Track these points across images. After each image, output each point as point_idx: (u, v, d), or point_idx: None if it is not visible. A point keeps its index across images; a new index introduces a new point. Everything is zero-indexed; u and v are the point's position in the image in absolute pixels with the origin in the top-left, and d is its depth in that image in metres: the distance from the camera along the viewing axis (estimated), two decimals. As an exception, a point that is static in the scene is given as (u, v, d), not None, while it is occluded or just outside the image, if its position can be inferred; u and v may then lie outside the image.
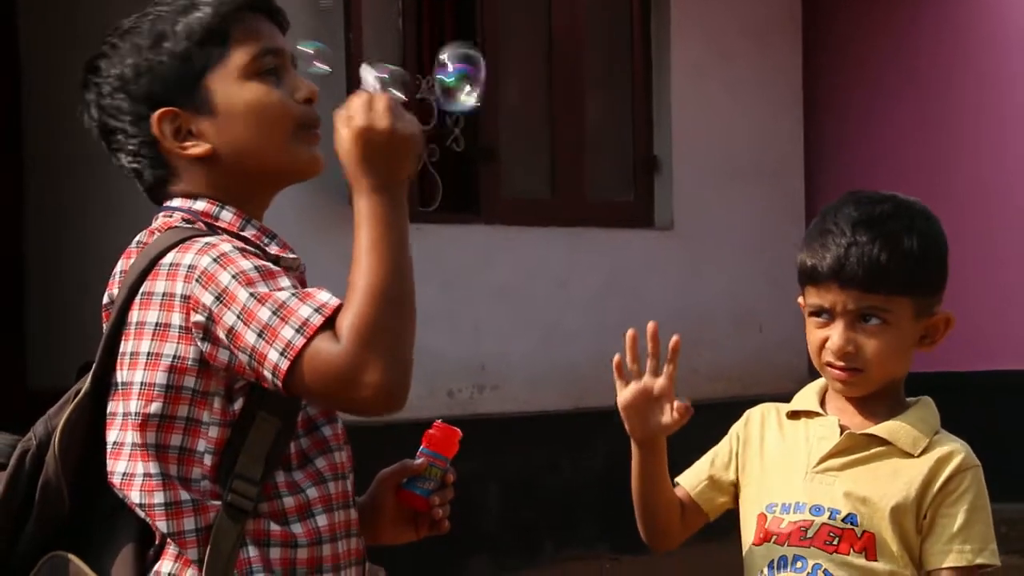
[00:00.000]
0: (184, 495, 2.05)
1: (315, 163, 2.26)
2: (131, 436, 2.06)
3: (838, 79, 8.42)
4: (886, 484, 2.37)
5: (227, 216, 2.18)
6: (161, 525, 2.05)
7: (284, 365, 2.01)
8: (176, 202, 2.20)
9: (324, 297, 2.05)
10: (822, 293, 2.38)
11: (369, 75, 2.27)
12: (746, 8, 8.03)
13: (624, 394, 2.50)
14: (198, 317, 2.04)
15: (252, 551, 2.07)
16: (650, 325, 2.47)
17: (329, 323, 2.03)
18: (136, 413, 2.06)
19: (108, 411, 2.11)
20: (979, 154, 8.08)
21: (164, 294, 2.06)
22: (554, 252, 7.29)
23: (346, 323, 2.03)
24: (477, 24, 7.11)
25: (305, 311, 2.03)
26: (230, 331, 2.03)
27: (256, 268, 2.05)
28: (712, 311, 7.71)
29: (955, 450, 2.40)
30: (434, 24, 7.07)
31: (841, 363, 2.39)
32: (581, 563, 7.15)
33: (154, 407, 2.06)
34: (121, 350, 2.10)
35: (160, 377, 2.06)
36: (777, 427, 2.52)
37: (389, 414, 2.09)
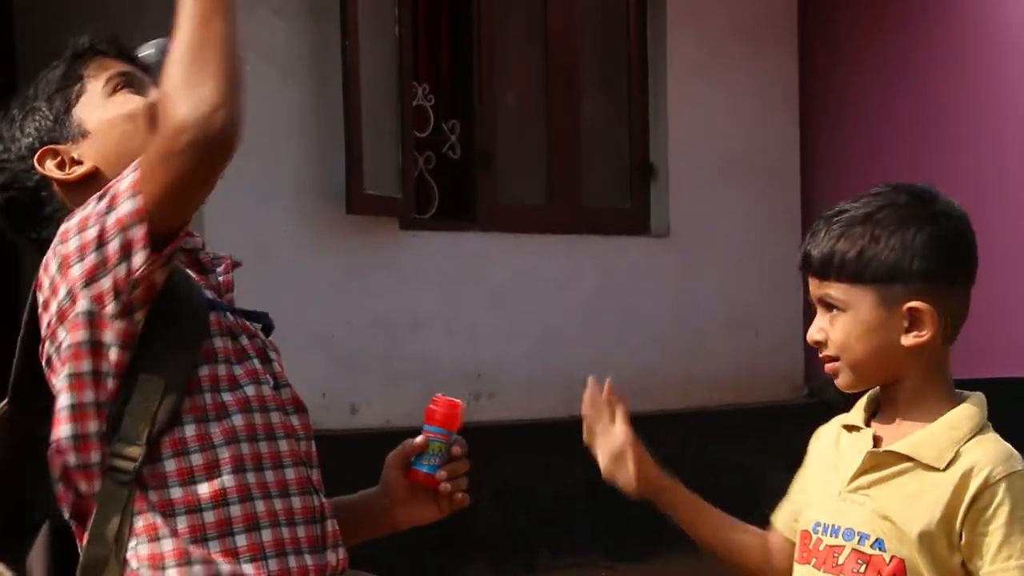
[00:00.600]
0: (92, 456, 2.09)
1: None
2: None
3: (834, 82, 8.42)
4: (912, 505, 2.26)
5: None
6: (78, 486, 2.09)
7: (137, 176, 2.07)
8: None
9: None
10: (808, 283, 2.39)
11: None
12: (741, 11, 8.03)
13: (601, 461, 2.46)
14: (53, 266, 2.15)
15: (155, 518, 2.07)
16: (606, 384, 2.43)
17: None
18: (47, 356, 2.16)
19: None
20: (977, 155, 8.08)
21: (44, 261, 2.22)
22: (550, 259, 7.29)
23: (169, 72, 2.05)
24: (473, 31, 7.11)
25: (125, 182, 2.12)
26: (80, 238, 2.11)
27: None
28: (708, 317, 7.71)
29: (983, 460, 2.26)
30: (430, 31, 7.07)
31: (820, 354, 2.36)
32: (577, 571, 7.14)
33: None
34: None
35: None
36: (834, 441, 2.44)
37: (232, 132, 2.02)
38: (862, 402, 2.43)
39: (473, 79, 7.10)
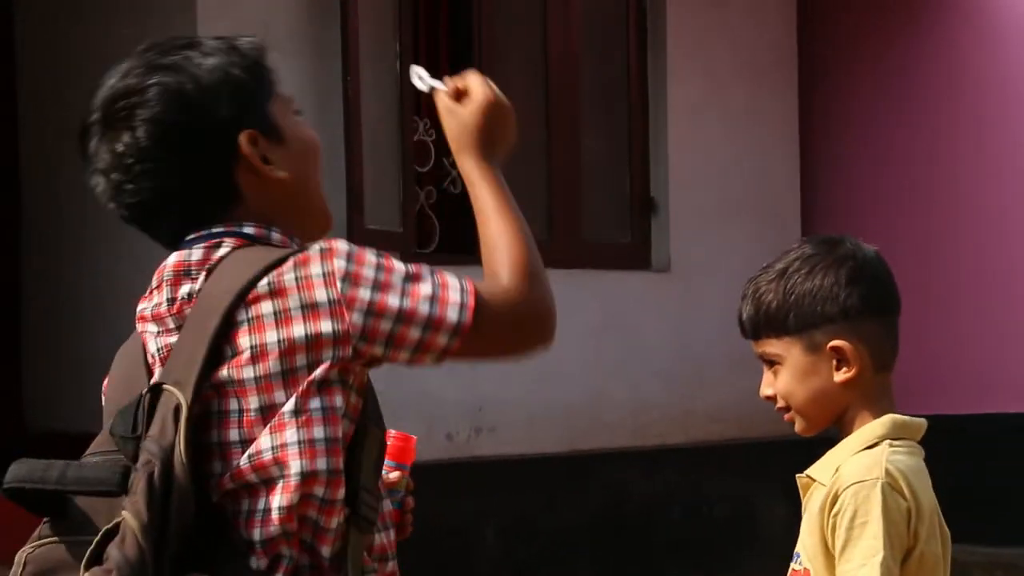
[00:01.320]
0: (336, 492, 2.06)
1: (331, 219, 2.30)
2: (295, 434, 2.02)
3: (834, 118, 8.43)
4: (808, 520, 2.45)
5: (276, 237, 2.15)
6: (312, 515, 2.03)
7: (467, 318, 2.07)
8: (218, 228, 2.13)
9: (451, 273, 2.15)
10: None
11: (419, 75, 2.40)
12: (742, 47, 8.06)
13: None
14: (356, 315, 2.03)
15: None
16: None
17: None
18: (296, 411, 2.02)
19: (223, 441, 2.04)
20: (977, 191, 8.09)
21: (303, 306, 2.03)
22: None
23: (504, 267, 2.16)
24: (474, 65, 7.12)
25: (453, 279, 2.11)
26: (399, 312, 2.04)
27: (381, 255, 2.10)
28: (710, 352, 7.70)
29: (846, 471, 2.42)
30: (431, 67, 7.08)
31: (776, 409, 2.55)
32: (579, 605, 7.13)
33: (313, 403, 2.04)
34: (248, 375, 2.03)
35: (319, 375, 2.03)
36: None
37: (548, 346, 2.24)
38: None
39: (474, 114, 7.11)
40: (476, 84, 2.32)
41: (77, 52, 6.36)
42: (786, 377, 2.50)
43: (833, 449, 2.49)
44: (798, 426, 2.54)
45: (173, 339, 2.09)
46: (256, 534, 2.02)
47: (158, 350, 2.11)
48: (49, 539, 2.04)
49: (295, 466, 2.00)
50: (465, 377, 6.88)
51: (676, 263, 7.75)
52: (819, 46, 8.41)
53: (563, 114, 7.49)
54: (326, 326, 2.02)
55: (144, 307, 2.14)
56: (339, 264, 2.05)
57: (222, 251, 2.11)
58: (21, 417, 6.51)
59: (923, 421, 2.55)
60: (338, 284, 2.03)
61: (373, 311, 2.03)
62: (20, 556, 2.04)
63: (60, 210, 6.51)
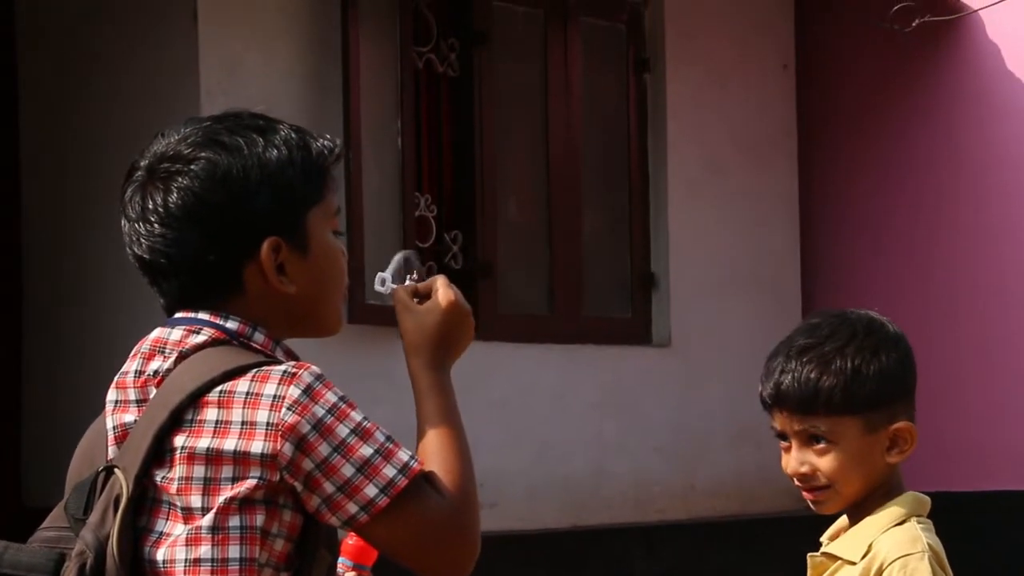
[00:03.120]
0: None
1: (342, 324, 2.28)
2: (209, 551, 2.02)
3: (833, 193, 8.47)
4: None
5: (259, 338, 2.14)
6: None
7: (382, 502, 2.03)
8: (203, 315, 2.13)
9: (409, 451, 2.09)
10: (775, 418, 2.49)
11: (382, 279, 2.31)
12: (741, 122, 8.10)
13: None
14: (287, 445, 2.01)
15: None
16: None
17: (421, 474, 2.08)
18: (215, 527, 2.02)
19: (155, 530, 2.05)
20: (977, 266, 8.10)
21: (243, 422, 2.02)
22: (551, 368, 7.29)
23: (447, 479, 2.10)
24: (475, 142, 7.17)
25: (404, 455, 2.07)
26: (323, 462, 2.02)
27: (345, 401, 2.06)
28: (710, 427, 7.70)
29: (884, 547, 2.37)
30: (432, 142, 7.13)
31: (805, 486, 2.46)
32: None
33: (232, 520, 2.03)
34: (182, 474, 2.03)
35: (243, 492, 2.02)
36: None
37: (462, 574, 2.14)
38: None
39: (475, 190, 7.15)
40: (441, 286, 2.23)
41: (80, 61, 6.40)
42: (840, 457, 2.41)
43: (857, 527, 2.43)
44: (832, 506, 2.46)
45: (128, 416, 2.11)
46: None
47: (113, 427, 2.12)
48: None
49: None
50: (466, 452, 6.86)
51: (676, 338, 7.75)
52: (818, 121, 8.46)
53: (564, 190, 7.52)
54: (256, 447, 2.02)
55: (118, 373, 2.17)
56: (292, 392, 2.03)
57: (199, 339, 2.11)
58: (19, 493, 6.50)
59: (928, 498, 2.51)
60: (282, 410, 2.02)
61: (303, 448, 2.01)
62: None
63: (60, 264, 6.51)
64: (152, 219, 2.12)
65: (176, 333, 2.12)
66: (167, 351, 2.11)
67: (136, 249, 2.15)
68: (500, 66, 7.28)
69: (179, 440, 2.04)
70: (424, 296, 2.24)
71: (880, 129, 8.34)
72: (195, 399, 2.04)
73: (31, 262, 6.68)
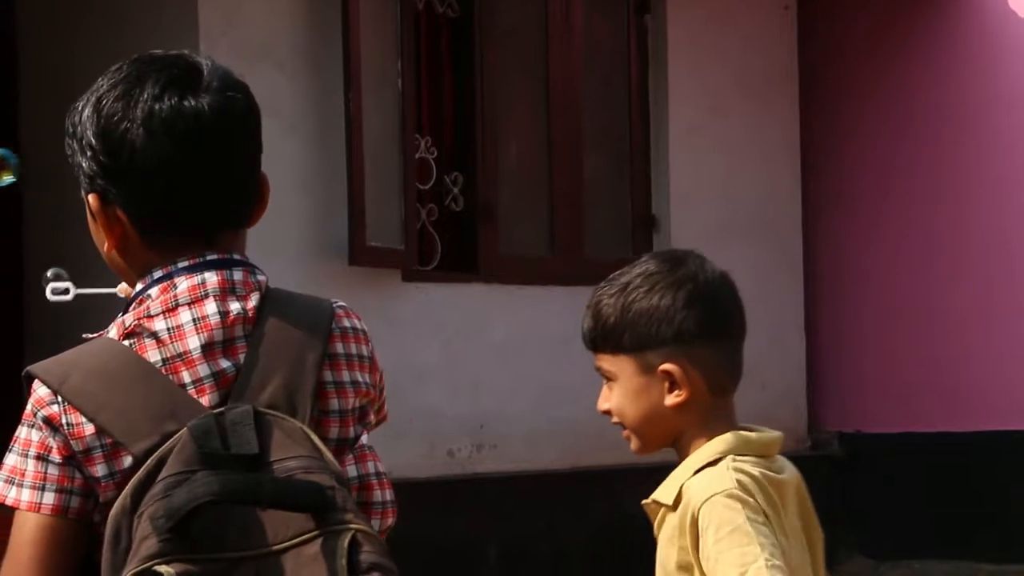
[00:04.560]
0: None
1: None
2: (373, 467, 2.17)
3: (835, 134, 8.45)
4: (663, 546, 2.40)
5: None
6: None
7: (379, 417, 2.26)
8: (237, 256, 2.15)
9: None
10: None
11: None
12: (743, 65, 8.07)
13: None
14: (377, 376, 2.20)
15: None
16: None
17: None
18: (370, 446, 2.19)
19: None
20: (978, 207, 8.09)
21: (360, 356, 2.17)
22: (552, 310, 7.29)
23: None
24: (475, 83, 7.14)
25: None
26: (383, 388, 2.24)
27: None
28: (711, 369, 7.71)
29: (694, 492, 2.36)
30: (433, 84, 7.10)
31: (612, 421, 2.50)
32: (580, 623, 7.12)
33: (367, 439, 2.19)
34: (335, 407, 2.12)
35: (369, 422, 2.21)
36: None
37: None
38: None
39: (475, 131, 7.13)
40: None
41: (78, 59, 6.37)
42: (619, 395, 2.46)
43: (673, 472, 2.44)
44: (633, 445, 2.49)
45: (225, 362, 2.05)
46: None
47: (213, 374, 2.04)
48: (187, 568, 1.91)
49: (377, 496, 2.14)
50: (467, 393, 6.88)
51: (678, 280, 7.75)
52: (820, 62, 8.42)
53: (564, 132, 7.50)
54: (374, 378, 2.19)
55: (167, 326, 2.06)
56: (365, 327, 2.22)
57: (260, 277, 2.13)
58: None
59: (774, 435, 2.47)
60: (370, 344, 2.21)
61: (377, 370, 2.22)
62: (166, 572, 1.89)
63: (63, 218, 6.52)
64: (217, 118, 2.09)
65: (237, 274, 2.10)
66: (239, 291, 2.09)
67: (168, 149, 2.06)
68: (500, 6, 7.25)
69: (328, 375, 2.11)
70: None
71: (883, 70, 8.31)
72: (326, 337, 2.12)
73: (31, 219, 6.67)
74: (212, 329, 2.05)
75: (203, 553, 1.91)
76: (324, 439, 2.04)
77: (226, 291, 2.08)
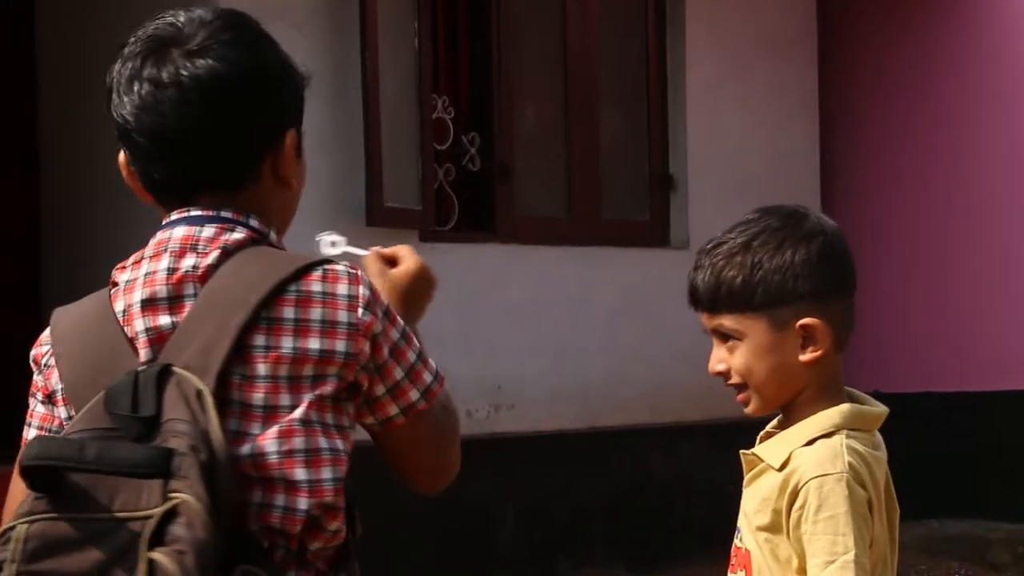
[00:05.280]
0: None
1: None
2: (302, 443, 2.06)
3: (854, 91, 8.42)
4: (756, 501, 2.40)
5: (273, 237, 2.17)
6: (333, 526, 2.08)
7: (421, 406, 2.15)
8: (226, 213, 2.12)
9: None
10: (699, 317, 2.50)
11: (332, 241, 2.48)
12: (761, 23, 8.04)
13: None
14: (366, 345, 2.09)
15: None
16: None
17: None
18: (305, 420, 2.05)
19: (231, 430, 2.03)
20: (996, 167, 8.07)
21: (324, 321, 2.06)
22: (569, 271, 7.29)
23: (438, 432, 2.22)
24: (492, 43, 7.13)
25: (433, 363, 2.20)
26: (383, 364, 2.11)
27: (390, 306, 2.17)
28: (728, 329, 7.71)
29: (803, 463, 2.36)
30: (450, 44, 7.09)
31: (726, 384, 2.46)
32: (598, 582, 7.15)
33: (315, 415, 2.06)
34: (263, 372, 2.04)
35: (328, 392, 2.07)
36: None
37: (436, 489, 2.27)
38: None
39: (493, 92, 7.12)
40: (408, 252, 2.39)
41: (95, 29, 6.37)
42: (746, 353, 2.41)
43: (785, 432, 2.42)
44: (753, 405, 2.43)
45: (164, 318, 2.08)
46: (254, 525, 2.04)
47: (146, 330, 2.08)
48: (46, 515, 1.98)
49: (300, 474, 2.04)
50: (484, 354, 6.89)
51: (695, 240, 7.74)
52: (839, 21, 8.39)
53: (581, 93, 7.48)
54: (340, 346, 2.06)
55: (127, 277, 2.12)
56: (364, 293, 2.09)
57: (238, 236, 2.11)
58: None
59: (883, 410, 2.46)
60: (360, 310, 2.08)
61: (375, 347, 2.10)
62: (19, 531, 1.96)
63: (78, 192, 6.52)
64: (189, 95, 2.09)
65: (208, 230, 2.10)
66: (201, 247, 2.09)
67: (154, 120, 2.10)
68: (517, -34, 7.23)
69: (260, 339, 2.04)
70: (390, 262, 2.36)
71: (902, 28, 8.27)
72: (270, 298, 2.05)
73: (47, 177, 6.68)
74: (155, 285, 2.08)
75: (67, 513, 1.96)
76: (247, 404, 2.03)
77: (186, 247, 2.09)
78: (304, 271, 2.07)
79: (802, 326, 2.39)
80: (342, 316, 2.06)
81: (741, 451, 2.46)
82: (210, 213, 2.12)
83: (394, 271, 2.35)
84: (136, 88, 2.12)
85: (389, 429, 2.13)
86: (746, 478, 2.44)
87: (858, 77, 8.40)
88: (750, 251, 2.42)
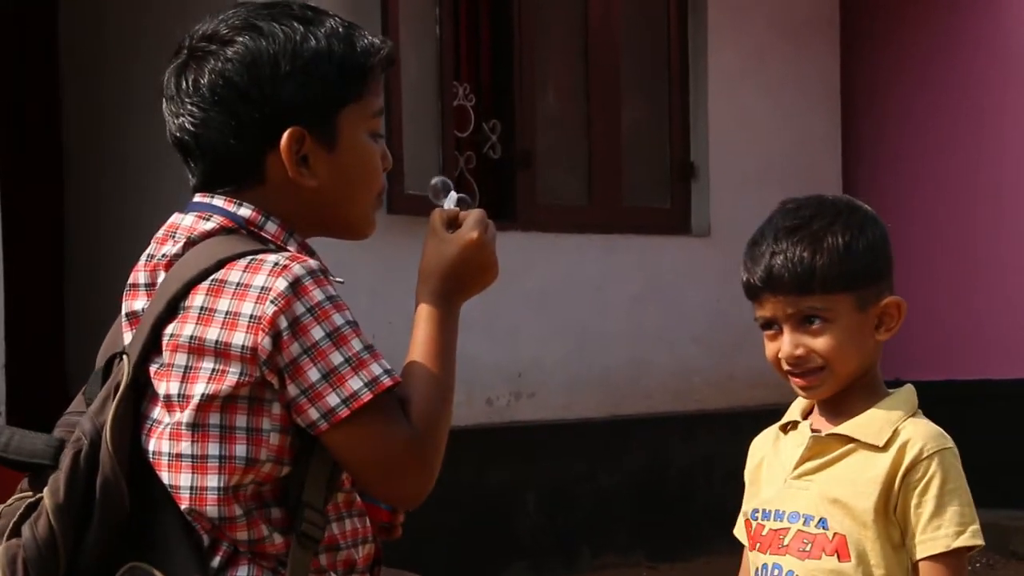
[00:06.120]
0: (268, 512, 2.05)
1: (373, 229, 2.25)
2: (189, 447, 2.02)
3: (876, 80, 8.38)
4: (856, 483, 2.37)
5: (271, 227, 2.12)
6: (241, 536, 2.02)
7: (342, 412, 2.00)
8: (218, 201, 2.12)
9: (387, 365, 2.04)
10: (764, 305, 2.46)
11: (448, 196, 2.28)
12: (783, 10, 8.01)
13: None
14: (266, 340, 1.99)
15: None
16: None
17: (392, 392, 2.04)
18: (195, 424, 2.01)
19: (151, 417, 2.05)
20: (1021, 153, 8.03)
21: (228, 312, 2.01)
22: (590, 259, 7.28)
23: (418, 407, 2.05)
24: (514, 30, 7.11)
25: (377, 369, 2.02)
26: (292, 362, 2.00)
27: (332, 301, 2.03)
28: (749, 316, 7.65)
29: (916, 436, 2.37)
30: (471, 31, 7.08)
31: (799, 370, 2.43)
32: (618, 571, 7.14)
33: (213, 418, 2.02)
34: (166, 360, 2.03)
35: (224, 390, 2.00)
36: (772, 444, 2.55)
37: (405, 509, 2.15)
38: (800, 400, 2.53)
39: (514, 79, 7.11)
40: (473, 222, 2.22)
41: (117, 29, 6.39)
42: (837, 335, 2.38)
43: (869, 413, 2.40)
44: (826, 388, 2.41)
45: (138, 303, 2.11)
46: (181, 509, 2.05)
47: (127, 314, 2.13)
48: (24, 494, 2.07)
49: (185, 479, 2.02)
50: (505, 342, 6.88)
51: (716, 228, 7.72)
52: (861, 7, 8.35)
53: (603, 80, 7.47)
54: (238, 338, 2.00)
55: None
56: (279, 284, 2.00)
57: (208, 226, 2.10)
58: (66, 391, 6.57)
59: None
60: (266, 303, 2.00)
61: (278, 344, 1.99)
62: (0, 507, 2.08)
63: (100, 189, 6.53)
64: (184, 99, 2.11)
65: (188, 219, 2.12)
66: (177, 236, 2.11)
67: (170, 128, 2.15)
68: (539, -47, 7.21)
69: (169, 327, 2.04)
70: (458, 226, 2.22)
71: (925, 14, 8.23)
72: (190, 287, 2.03)
73: (69, 165, 6.69)
74: (138, 271, 2.13)
75: (26, 492, 2.07)
76: (159, 393, 2.04)
77: (168, 235, 2.13)
78: (228, 260, 2.03)
79: (888, 304, 2.41)
80: (246, 308, 2.00)
81: (813, 435, 2.42)
82: (204, 200, 2.14)
83: (448, 236, 2.21)
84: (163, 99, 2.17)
85: (317, 435, 2.03)
86: (814, 462, 2.41)
87: (880, 64, 8.36)
88: (840, 230, 2.41)
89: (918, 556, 2.35)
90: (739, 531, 2.56)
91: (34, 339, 6.43)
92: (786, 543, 2.40)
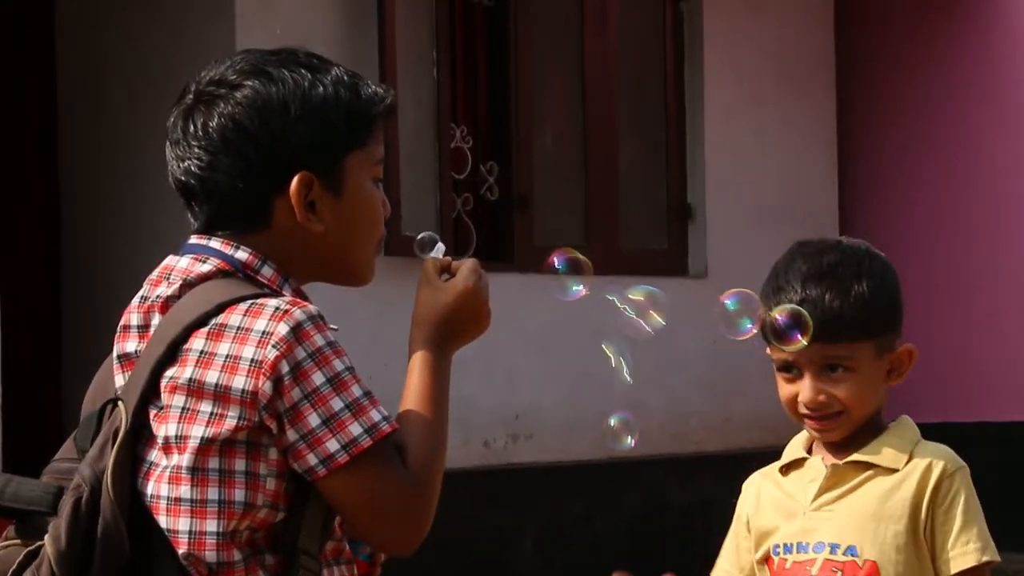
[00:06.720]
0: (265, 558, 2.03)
1: (372, 276, 2.26)
2: (188, 491, 2.01)
3: (872, 122, 8.41)
4: (880, 507, 2.41)
5: (267, 272, 2.12)
6: None
7: (341, 458, 2.00)
8: (215, 244, 2.12)
9: (385, 411, 2.05)
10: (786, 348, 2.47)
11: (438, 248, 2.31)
12: (780, 53, 8.04)
13: None
14: (267, 385, 2.00)
15: None
16: None
17: (390, 439, 2.04)
18: (194, 468, 2.01)
19: (148, 460, 2.05)
20: (1017, 196, 8.04)
21: (228, 356, 2.01)
22: (588, 300, 7.26)
23: (414, 454, 2.07)
24: (511, 73, 7.13)
25: (376, 415, 2.03)
26: (293, 407, 2.00)
27: (332, 347, 2.04)
28: (747, 359, 7.66)
29: (937, 456, 2.43)
30: (468, 74, 7.10)
31: (818, 414, 2.46)
32: (616, 613, 7.11)
33: (212, 462, 2.01)
34: (165, 403, 2.03)
35: (223, 434, 2.00)
36: (773, 484, 2.58)
37: (400, 555, 2.12)
38: (798, 441, 2.58)
39: (511, 121, 7.12)
40: (467, 270, 2.28)
41: (114, 47, 6.40)
42: (859, 383, 2.43)
43: (879, 441, 2.45)
44: (840, 432, 2.46)
45: (130, 345, 2.10)
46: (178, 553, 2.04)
47: (119, 356, 2.12)
48: (12, 542, 2.06)
49: (183, 524, 2.02)
50: (502, 384, 6.88)
51: (713, 269, 7.73)
52: (857, 50, 8.38)
53: (600, 122, 7.49)
54: (238, 382, 2.00)
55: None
56: (280, 329, 2.01)
57: (204, 268, 2.10)
58: (60, 427, 6.55)
59: None
60: (268, 347, 2.00)
61: (279, 389, 2.00)
62: None
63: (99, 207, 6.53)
64: (191, 142, 2.12)
65: (184, 261, 2.12)
66: (172, 277, 2.11)
67: (174, 171, 2.15)
68: (536, -4, 7.24)
69: (169, 371, 2.03)
70: (451, 274, 2.26)
71: (919, 58, 8.26)
72: (190, 331, 2.03)
73: (67, 196, 6.69)
74: (131, 312, 2.13)
75: (30, 540, 2.05)
76: (158, 436, 2.04)
77: (162, 277, 2.12)
78: (228, 304, 2.03)
79: (902, 352, 2.46)
80: (248, 351, 2.01)
81: (832, 464, 2.45)
82: (201, 241, 2.14)
83: (442, 284, 2.25)
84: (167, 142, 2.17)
85: (316, 481, 2.02)
86: (833, 492, 2.43)
87: (876, 106, 8.38)
88: (865, 278, 2.45)
89: (951, 571, 2.38)
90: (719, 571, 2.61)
91: (31, 377, 6.42)
92: (814, 573, 2.42)
